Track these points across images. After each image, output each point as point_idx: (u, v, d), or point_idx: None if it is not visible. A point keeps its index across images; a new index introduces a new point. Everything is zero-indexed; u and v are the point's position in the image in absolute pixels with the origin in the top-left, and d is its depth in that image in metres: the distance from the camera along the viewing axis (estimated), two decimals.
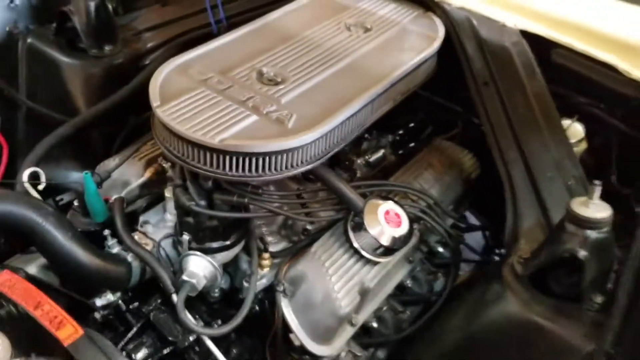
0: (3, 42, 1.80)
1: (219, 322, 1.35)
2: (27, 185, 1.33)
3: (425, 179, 1.59)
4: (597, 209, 1.07)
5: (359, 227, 1.28)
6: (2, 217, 1.12)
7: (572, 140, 1.47)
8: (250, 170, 1.13)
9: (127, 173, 1.46)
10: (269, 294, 1.35)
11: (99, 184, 1.35)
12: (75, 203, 1.36)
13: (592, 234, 1.06)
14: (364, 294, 1.28)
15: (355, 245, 1.28)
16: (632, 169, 1.48)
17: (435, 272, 1.59)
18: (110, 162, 1.45)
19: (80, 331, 0.95)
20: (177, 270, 1.29)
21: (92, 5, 1.66)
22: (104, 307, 1.29)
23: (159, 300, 1.34)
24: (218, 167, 1.13)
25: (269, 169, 1.14)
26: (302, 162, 1.17)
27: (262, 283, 1.33)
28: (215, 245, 1.26)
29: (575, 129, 1.50)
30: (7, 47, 1.79)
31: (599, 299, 1.11)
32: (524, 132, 1.38)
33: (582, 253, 1.06)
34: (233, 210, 1.24)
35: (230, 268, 1.39)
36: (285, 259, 1.34)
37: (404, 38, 1.51)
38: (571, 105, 1.55)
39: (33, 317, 1.01)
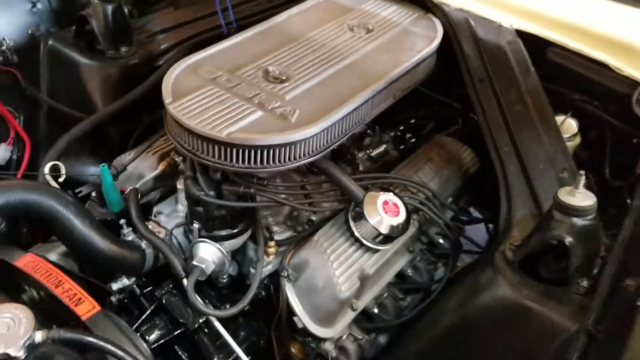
0: (26, 45, 1.90)
1: (228, 306, 1.43)
2: (49, 177, 1.42)
3: (425, 173, 1.66)
4: (582, 198, 1.13)
5: (359, 216, 1.34)
6: (27, 205, 1.20)
7: (566, 135, 1.53)
8: (255, 162, 1.20)
9: (142, 167, 1.54)
10: (274, 279, 1.42)
11: (115, 176, 1.44)
12: (93, 194, 1.44)
13: (578, 221, 1.12)
14: (364, 279, 1.35)
15: (356, 234, 1.35)
16: (625, 163, 1.53)
17: (435, 262, 1.66)
18: (126, 156, 1.54)
19: (97, 307, 1.03)
20: (188, 257, 1.37)
21: (109, 9, 1.76)
22: (119, 291, 1.38)
23: (170, 285, 1.42)
24: (226, 159, 1.20)
25: (273, 161, 1.21)
26: (304, 155, 1.24)
27: (267, 269, 1.40)
28: (223, 233, 1.34)
29: (569, 125, 1.56)
30: (30, 49, 1.88)
31: (585, 283, 1.17)
32: (518, 127, 1.44)
33: (569, 239, 1.12)
34: (240, 200, 1.31)
35: (238, 256, 1.47)
36: (290, 247, 1.42)
37: (404, 38, 1.57)
38: (566, 102, 1.61)
39: (54, 298, 1.10)
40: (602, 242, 1.24)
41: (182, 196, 1.43)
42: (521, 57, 1.55)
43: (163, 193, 1.53)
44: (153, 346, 1.35)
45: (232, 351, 1.37)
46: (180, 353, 1.42)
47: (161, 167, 1.52)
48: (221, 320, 1.35)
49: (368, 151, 1.67)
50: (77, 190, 1.54)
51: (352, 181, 1.34)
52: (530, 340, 1.15)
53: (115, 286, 1.37)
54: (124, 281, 1.38)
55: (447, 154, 1.76)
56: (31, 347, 0.86)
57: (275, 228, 1.45)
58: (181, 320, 1.37)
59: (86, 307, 1.03)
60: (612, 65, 1.51)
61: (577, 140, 1.57)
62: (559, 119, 1.54)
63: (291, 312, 1.38)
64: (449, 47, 1.60)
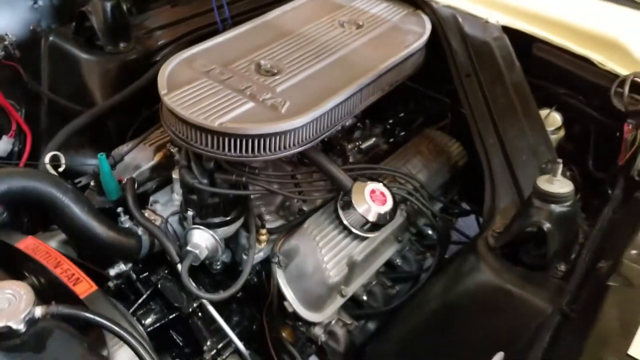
0: (28, 40, 1.94)
1: (221, 292, 1.48)
2: (49, 167, 1.47)
3: (414, 165, 1.71)
4: (560, 185, 1.18)
5: (348, 205, 1.39)
6: (27, 192, 1.24)
7: (551, 129, 1.58)
8: (247, 151, 1.24)
9: (138, 158, 1.59)
10: (266, 266, 1.47)
11: (113, 166, 1.48)
12: (92, 183, 1.49)
13: (556, 207, 1.17)
14: (352, 266, 1.40)
15: (345, 222, 1.40)
16: (607, 155, 1.58)
17: (424, 252, 1.70)
18: (124, 148, 1.59)
19: (95, 287, 1.08)
20: (182, 244, 1.42)
21: (109, 6, 1.81)
22: (117, 276, 1.42)
23: (166, 271, 1.47)
24: (218, 148, 1.24)
25: (264, 150, 1.25)
26: (294, 145, 1.28)
27: (259, 256, 1.45)
28: (216, 220, 1.38)
29: (553, 118, 1.61)
30: (32, 45, 1.93)
31: (562, 267, 1.22)
32: (503, 120, 1.48)
33: (547, 225, 1.16)
34: (232, 188, 1.36)
35: (231, 244, 1.52)
36: (281, 235, 1.46)
37: (393, 34, 1.62)
38: (551, 96, 1.65)
39: (53, 277, 1.14)
40: (582, 230, 1.29)
41: (177, 186, 1.47)
42: (507, 52, 1.60)
43: (159, 183, 1.57)
44: (149, 329, 1.40)
45: (225, 335, 1.42)
46: (175, 337, 1.47)
47: (157, 158, 1.57)
48: (215, 305, 1.40)
49: (358, 143, 1.71)
50: (76, 181, 1.58)
51: (340, 171, 1.39)
52: (511, 322, 1.20)
53: (112, 272, 1.41)
54: (121, 267, 1.42)
55: (436, 147, 1.81)
56: (31, 322, 0.89)
57: (267, 217, 1.50)
58: (176, 305, 1.42)
59: (84, 287, 1.08)
60: (594, 60, 1.56)
61: (562, 133, 1.62)
62: (544, 112, 1.58)
63: (282, 297, 1.42)
64: (438, 43, 1.65)
